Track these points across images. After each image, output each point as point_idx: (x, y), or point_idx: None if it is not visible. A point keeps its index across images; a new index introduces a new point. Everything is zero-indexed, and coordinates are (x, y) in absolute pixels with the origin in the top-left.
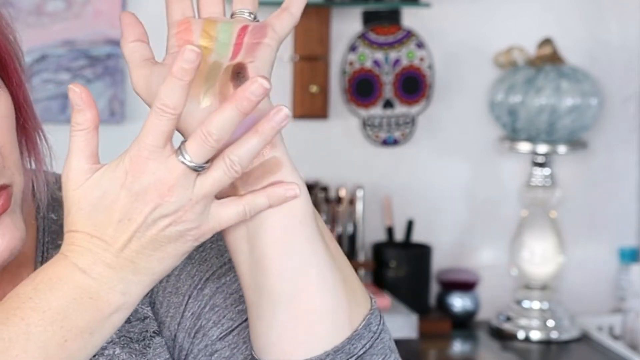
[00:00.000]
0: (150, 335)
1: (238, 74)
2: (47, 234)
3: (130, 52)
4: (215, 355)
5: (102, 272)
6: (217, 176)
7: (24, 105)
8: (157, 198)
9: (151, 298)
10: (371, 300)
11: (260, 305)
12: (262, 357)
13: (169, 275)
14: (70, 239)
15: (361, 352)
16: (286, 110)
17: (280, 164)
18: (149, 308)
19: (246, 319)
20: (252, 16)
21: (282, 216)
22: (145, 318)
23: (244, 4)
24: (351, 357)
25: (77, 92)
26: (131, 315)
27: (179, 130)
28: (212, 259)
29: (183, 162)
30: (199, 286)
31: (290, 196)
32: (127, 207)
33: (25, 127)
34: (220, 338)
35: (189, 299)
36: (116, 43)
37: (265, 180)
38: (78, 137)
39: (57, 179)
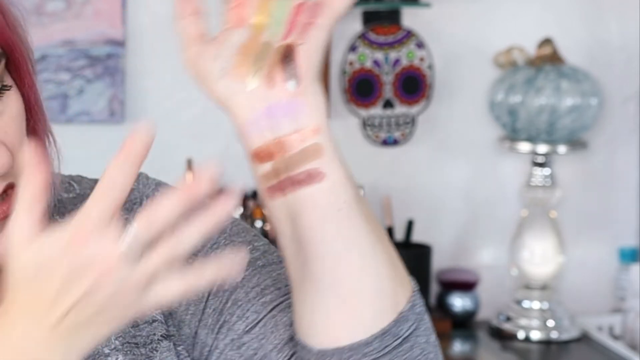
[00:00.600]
0: (158, 339)
1: (287, 56)
2: None
3: (184, 27)
4: (244, 347)
5: (39, 340)
6: (159, 260)
7: (35, 107)
8: (98, 275)
9: None
10: (412, 282)
11: (305, 290)
12: (306, 340)
13: None
14: (9, 302)
15: (407, 333)
16: (232, 204)
17: (321, 150)
18: (159, 311)
19: (271, 310)
20: None
21: (322, 205)
22: (154, 321)
23: None
24: (397, 339)
25: (29, 151)
26: (138, 318)
27: (222, 104)
28: None
29: (125, 244)
30: (217, 283)
31: (234, 273)
32: (67, 279)
33: (35, 129)
34: (247, 331)
35: (208, 296)
36: (116, 43)
37: (304, 166)
38: (26, 196)
39: (64, 181)
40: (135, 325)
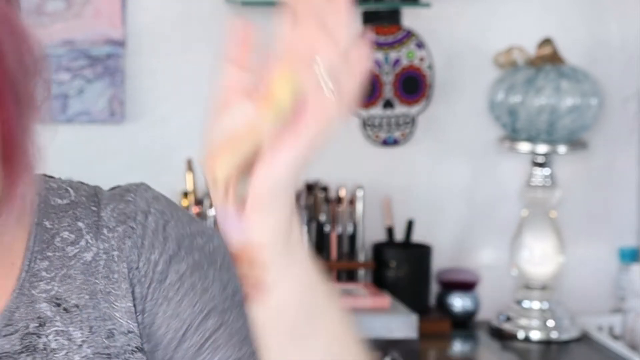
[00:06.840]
0: (132, 350)
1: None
2: (37, 242)
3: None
4: None
5: None
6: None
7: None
8: None
9: (143, 315)
10: None
11: None
12: None
13: (169, 299)
14: None
15: None
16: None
17: (262, 266)
18: (135, 324)
19: None
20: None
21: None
22: (130, 332)
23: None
24: None
25: None
26: (115, 328)
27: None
28: (215, 290)
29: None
30: (201, 317)
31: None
32: None
33: (8, 122)
34: None
35: (189, 327)
36: (116, 43)
37: (251, 276)
38: None
39: (60, 187)
40: (110, 335)
